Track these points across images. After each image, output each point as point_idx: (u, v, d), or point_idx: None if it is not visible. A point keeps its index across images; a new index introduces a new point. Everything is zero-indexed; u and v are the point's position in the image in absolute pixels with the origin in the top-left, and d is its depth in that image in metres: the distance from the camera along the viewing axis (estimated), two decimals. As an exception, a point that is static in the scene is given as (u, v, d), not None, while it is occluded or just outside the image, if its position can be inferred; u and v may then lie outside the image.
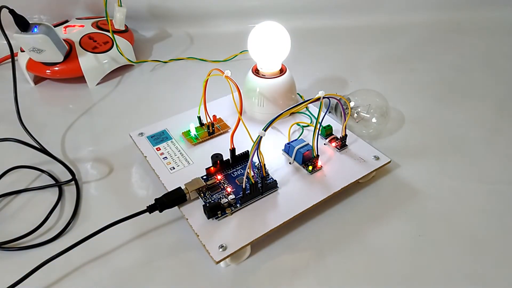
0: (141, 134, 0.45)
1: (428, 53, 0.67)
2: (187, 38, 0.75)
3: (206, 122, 0.45)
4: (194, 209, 0.36)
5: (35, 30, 0.54)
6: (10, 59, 0.57)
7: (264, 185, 0.37)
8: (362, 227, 0.37)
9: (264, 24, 0.44)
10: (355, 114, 0.45)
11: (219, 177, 0.38)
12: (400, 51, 0.67)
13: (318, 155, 0.40)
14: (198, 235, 0.34)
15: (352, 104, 0.46)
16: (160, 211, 0.35)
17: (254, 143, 0.32)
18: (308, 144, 0.40)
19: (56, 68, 0.59)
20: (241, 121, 0.36)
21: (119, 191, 0.43)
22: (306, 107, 0.48)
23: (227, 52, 0.67)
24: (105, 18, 0.66)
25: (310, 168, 0.39)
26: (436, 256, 0.35)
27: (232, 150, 0.39)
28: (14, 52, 0.52)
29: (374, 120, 0.45)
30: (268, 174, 0.39)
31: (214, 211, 0.35)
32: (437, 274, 0.33)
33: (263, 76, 0.45)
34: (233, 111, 0.48)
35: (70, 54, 0.59)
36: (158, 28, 0.78)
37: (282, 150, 0.42)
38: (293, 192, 0.37)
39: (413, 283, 0.33)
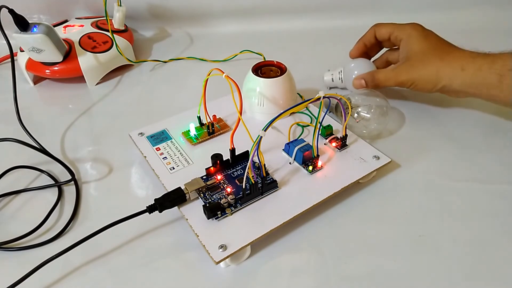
0: (141, 134, 0.45)
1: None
2: (187, 38, 0.75)
3: (206, 122, 0.44)
4: (194, 209, 0.36)
5: (35, 29, 0.54)
6: (9, 59, 0.56)
7: (264, 185, 0.37)
8: (362, 227, 0.37)
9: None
10: (356, 114, 0.45)
11: (219, 177, 0.38)
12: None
13: (318, 155, 0.40)
14: (198, 235, 0.34)
15: (352, 103, 0.46)
16: (160, 211, 0.35)
17: (254, 143, 0.32)
18: (308, 144, 0.40)
19: (56, 68, 0.59)
20: (241, 121, 0.36)
21: (119, 191, 0.43)
22: (306, 107, 0.48)
23: (227, 52, 0.67)
24: (104, 18, 0.66)
25: (310, 168, 0.39)
26: (436, 256, 0.35)
27: (232, 150, 0.39)
28: (14, 52, 0.52)
29: (374, 120, 0.45)
30: (268, 174, 0.39)
31: (214, 211, 0.34)
32: (437, 274, 0.33)
33: (263, 76, 0.45)
34: (233, 111, 0.48)
35: (69, 54, 0.59)
36: (158, 28, 0.77)
37: (282, 150, 0.42)
38: (293, 192, 0.37)
39: (413, 283, 0.33)
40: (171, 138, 0.45)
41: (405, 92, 0.56)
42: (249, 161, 0.33)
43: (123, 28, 0.67)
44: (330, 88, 0.57)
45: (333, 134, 0.44)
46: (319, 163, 0.40)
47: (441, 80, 0.43)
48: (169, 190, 0.36)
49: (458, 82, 0.43)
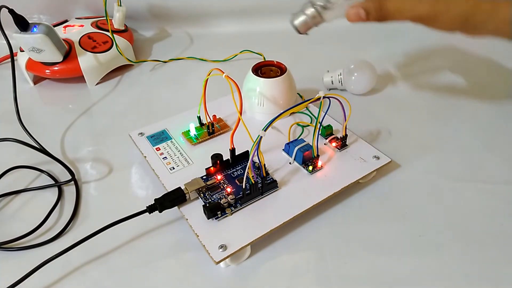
0: (141, 134, 0.45)
1: (428, 53, 0.66)
2: (187, 38, 0.75)
3: (206, 122, 0.44)
4: (194, 209, 0.36)
5: (35, 29, 0.54)
6: (9, 59, 0.57)
7: (264, 185, 0.37)
8: (362, 227, 0.37)
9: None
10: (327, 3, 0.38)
11: (219, 177, 0.38)
12: (400, 51, 0.67)
13: (318, 155, 0.40)
14: (198, 235, 0.34)
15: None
16: (160, 211, 0.35)
17: (254, 143, 0.32)
18: (308, 144, 0.40)
19: (56, 68, 0.59)
20: (241, 121, 0.36)
21: (119, 191, 0.43)
22: (306, 107, 0.48)
23: (227, 52, 0.67)
24: (104, 18, 0.66)
25: (310, 168, 0.39)
26: (436, 256, 0.35)
27: (232, 150, 0.39)
28: (14, 52, 0.52)
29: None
30: (268, 174, 0.39)
31: (214, 211, 0.34)
32: (437, 274, 0.33)
33: (263, 76, 0.45)
34: (233, 111, 0.48)
35: (69, 54, 0.59)
36: (158, 28, 0.77)
37: (282, 150, 0.42)
38: (293, 192, 0.37)
39: (413, 283, 0.33)
40: (171, 138, 0.45)
41: (405, 92, 0.56)
42: (249, 161, 0.33)
43: (123, 28, 0.67)
44: (330, 89, 0.57)
45: (333, 134, 0.44)
46: (319, 163, 0.40)
47: (478, 14, 0.31)
48: (169, 190, 0.36)
49: (501, 18, 0.31)
